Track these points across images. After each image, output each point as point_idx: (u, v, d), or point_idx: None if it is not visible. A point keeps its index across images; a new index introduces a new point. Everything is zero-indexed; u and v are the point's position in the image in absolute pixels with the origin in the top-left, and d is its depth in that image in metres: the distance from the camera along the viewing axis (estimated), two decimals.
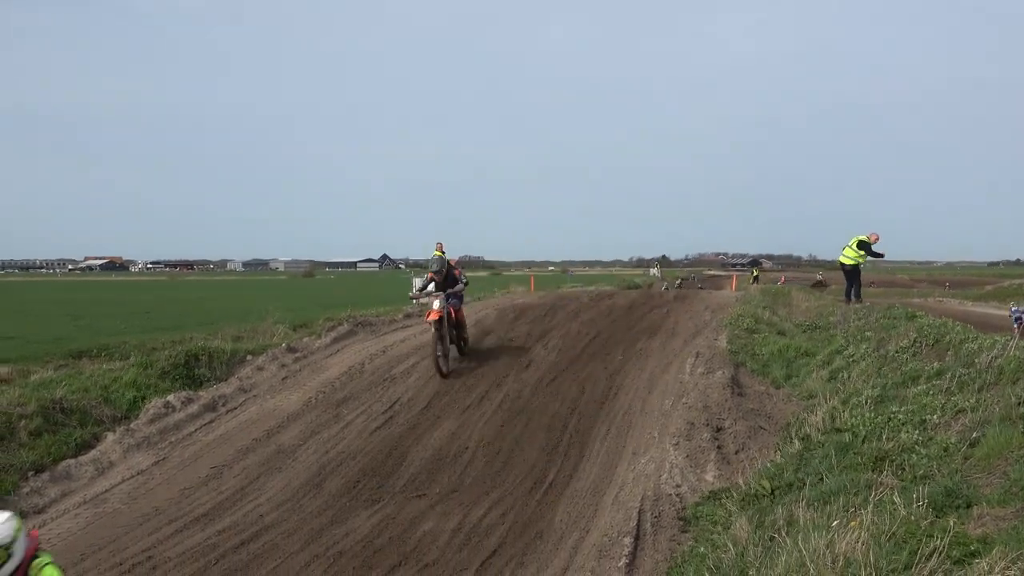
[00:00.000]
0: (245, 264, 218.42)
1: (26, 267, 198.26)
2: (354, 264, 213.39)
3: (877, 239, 20.47)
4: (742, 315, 18.97)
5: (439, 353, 14.27)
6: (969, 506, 5.49)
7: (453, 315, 14.96)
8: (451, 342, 14.91)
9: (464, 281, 15.50)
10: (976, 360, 9.38)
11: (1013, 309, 19.16)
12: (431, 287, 15.14)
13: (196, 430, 12.59)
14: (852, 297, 20.66)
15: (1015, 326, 17.24)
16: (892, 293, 54.35)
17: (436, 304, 14.56)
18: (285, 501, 10.04)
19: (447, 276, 15.12)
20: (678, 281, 61.76)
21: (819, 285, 51.05)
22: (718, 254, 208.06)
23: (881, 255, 21.03)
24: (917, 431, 7.60)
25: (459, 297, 15.33)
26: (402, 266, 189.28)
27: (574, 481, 10.19)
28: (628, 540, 7.90)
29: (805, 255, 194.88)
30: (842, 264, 20.80)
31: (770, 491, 7.72)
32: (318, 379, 14.88)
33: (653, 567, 7.41)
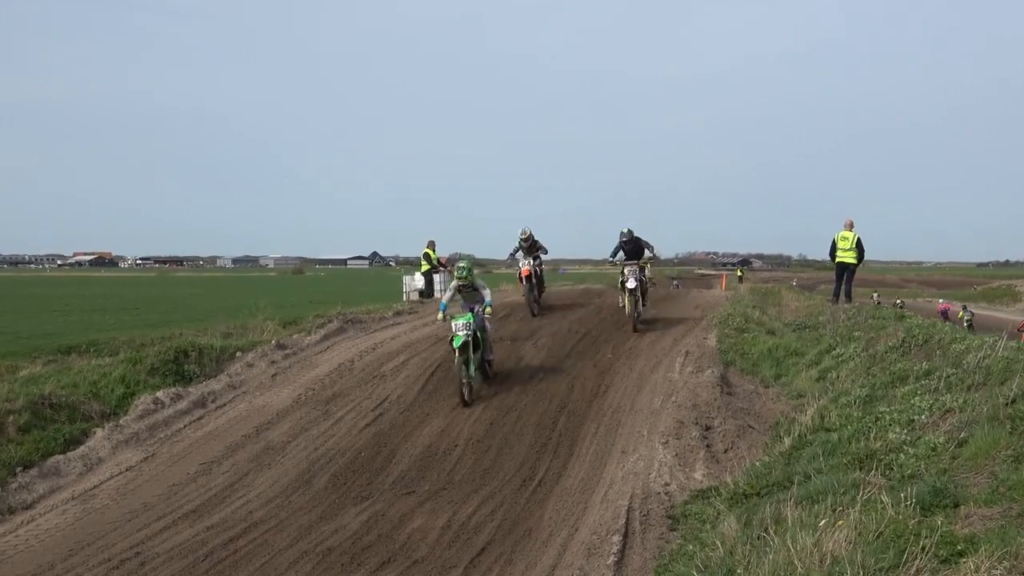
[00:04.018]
0: (235, 261, 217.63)
1: (14, 262, 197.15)
2: (344, 261, 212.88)
3: (852, 224, 20.47)
4: (732, 314, 19.00)
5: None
6: (956, 506, 5.51)
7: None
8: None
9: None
10: (964, 360, 9.42)
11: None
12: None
13: (185, 426, 12.56)
14: (842, 297, 20.67)
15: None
16: (881, 293, 54.60)
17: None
18: (274, 498, 10.03)
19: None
20: (676, 282, 61.58)
21: None
22: (708, 253, 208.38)
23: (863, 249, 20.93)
24: (905, 431, 7.64)
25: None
26: (392, 263, 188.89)
27: (563, 479, 10.21)
28: (617, 538, 7.92)
29: (795, 255, 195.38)
30: (846, 264, 20.68)
31: (758, 490, 7.75)
32: (308, 376, 14.85)
33: (642, 565, 7.43)
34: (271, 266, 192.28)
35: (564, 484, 10.03)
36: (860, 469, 6.95)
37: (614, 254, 18.10)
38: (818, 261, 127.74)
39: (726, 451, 10.39)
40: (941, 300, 45.94)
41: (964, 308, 41.44)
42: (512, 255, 20.21)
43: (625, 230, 17.76)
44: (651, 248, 18.01)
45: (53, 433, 11.48)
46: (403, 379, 14.27)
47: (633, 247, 17.69)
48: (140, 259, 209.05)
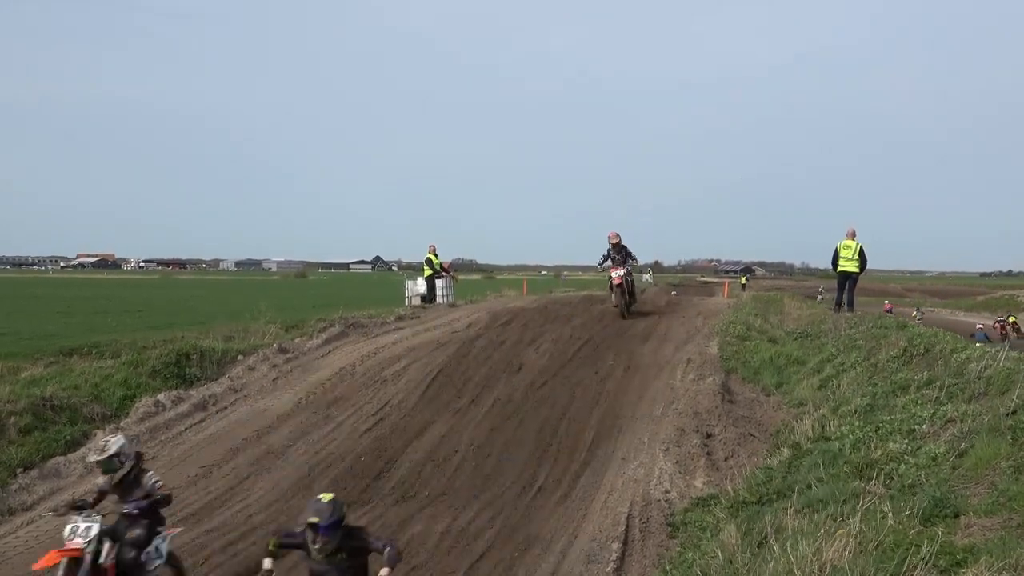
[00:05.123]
0: (238, 264, 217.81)
1: (18, 264, 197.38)
2: (347, 265, 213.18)
3: (854, 233, 20.42)
4: (733, 322, 19.01)
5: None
6: (957, 516, 5.50)
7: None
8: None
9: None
10: (965, 370, 9.42)
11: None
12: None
13: (186, 429, 12.55)
14: (844, 306, 20.67)
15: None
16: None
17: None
18: (274, 502, 10.02)
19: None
20: (673, 291, 61.51)
21: None
22: (711, 260, 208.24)
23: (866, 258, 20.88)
24: (906, 440, 7.62)
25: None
26: (395, 268, 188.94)
27: (563, 485, 10.19)
28: (616, 546, 7.93)
29: (798, 263, 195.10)
30: (849, 273, 20.65)
31: (758, 498, 7.74)
32: (309, 380, 14.85)
33: (641, 573, 7.43)
34: (274, 269, 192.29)
35: (564, 491, 10.03)
36: (860, 478, 6.94)
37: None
38: (820, 269, 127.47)
39: (727, 459, 10.39)
40: (887, 301, 51.43)
41: (917, 309, 48.18)
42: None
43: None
44: None
45: (54, 435, 11.49)
46: (404, 384, 14.27)
47: None
48: (143, 261, 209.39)
